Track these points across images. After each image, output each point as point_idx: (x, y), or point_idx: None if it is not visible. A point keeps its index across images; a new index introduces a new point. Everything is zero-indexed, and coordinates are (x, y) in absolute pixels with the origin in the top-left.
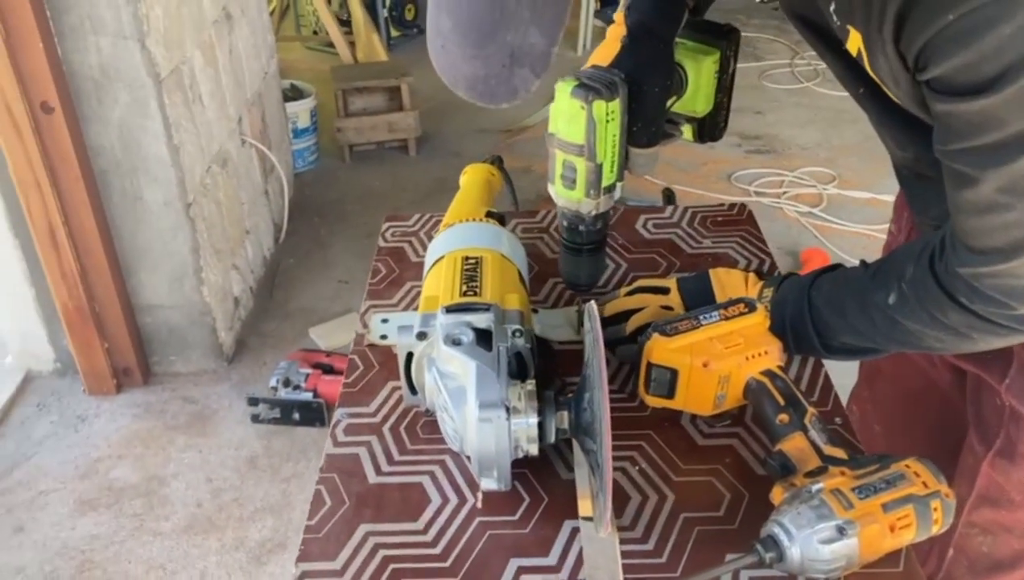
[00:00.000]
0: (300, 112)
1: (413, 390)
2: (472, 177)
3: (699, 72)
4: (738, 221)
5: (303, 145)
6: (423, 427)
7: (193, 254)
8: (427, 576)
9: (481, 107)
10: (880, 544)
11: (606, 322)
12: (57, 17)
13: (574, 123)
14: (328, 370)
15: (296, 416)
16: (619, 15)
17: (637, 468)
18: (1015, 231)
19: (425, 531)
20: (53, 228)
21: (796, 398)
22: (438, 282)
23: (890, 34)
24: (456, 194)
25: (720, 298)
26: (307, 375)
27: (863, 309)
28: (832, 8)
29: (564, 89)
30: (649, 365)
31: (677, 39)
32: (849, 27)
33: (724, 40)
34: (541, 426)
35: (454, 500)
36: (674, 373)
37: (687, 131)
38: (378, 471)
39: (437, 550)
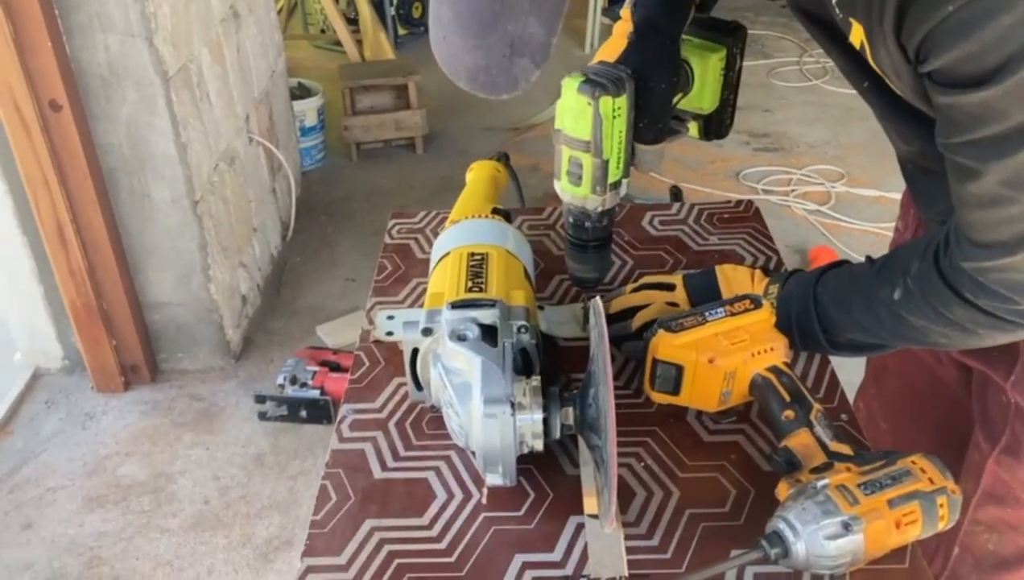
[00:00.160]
0: (307, 110)
1: (419, 386)
2: (478, 174)
3: (705, 69)
4: (744, 218)
5: (310, 143)
6: (428, 423)
7: (201, 252)
8: (432, 571)
9: (488, 106)
10: (886, 540)
11: (611, 318)
12: (65, 15)
13: (581, 119)
14: (335, 368)
15: (303, 414)
16: (626, 11)
17: (642, 464)
18: (1019, 225)
19: (430, 526)
20: (61, 225)
21: (802, 394)
22: (444, 278)
23: (891, 26)
24: (462, 191)
25: (726, 294)
26: (314, 373)
27: (868, 305)
28: (834, 1)
29: (571, 85)
30: (655, 361)
31: (683, 36)
32: (851, 20)
33: (730, 37)
34: (546, 422)
35: (459, 496)
36: (679, 369)
37: (693, 128)
38: (384, 467)
39: (442, 545)
